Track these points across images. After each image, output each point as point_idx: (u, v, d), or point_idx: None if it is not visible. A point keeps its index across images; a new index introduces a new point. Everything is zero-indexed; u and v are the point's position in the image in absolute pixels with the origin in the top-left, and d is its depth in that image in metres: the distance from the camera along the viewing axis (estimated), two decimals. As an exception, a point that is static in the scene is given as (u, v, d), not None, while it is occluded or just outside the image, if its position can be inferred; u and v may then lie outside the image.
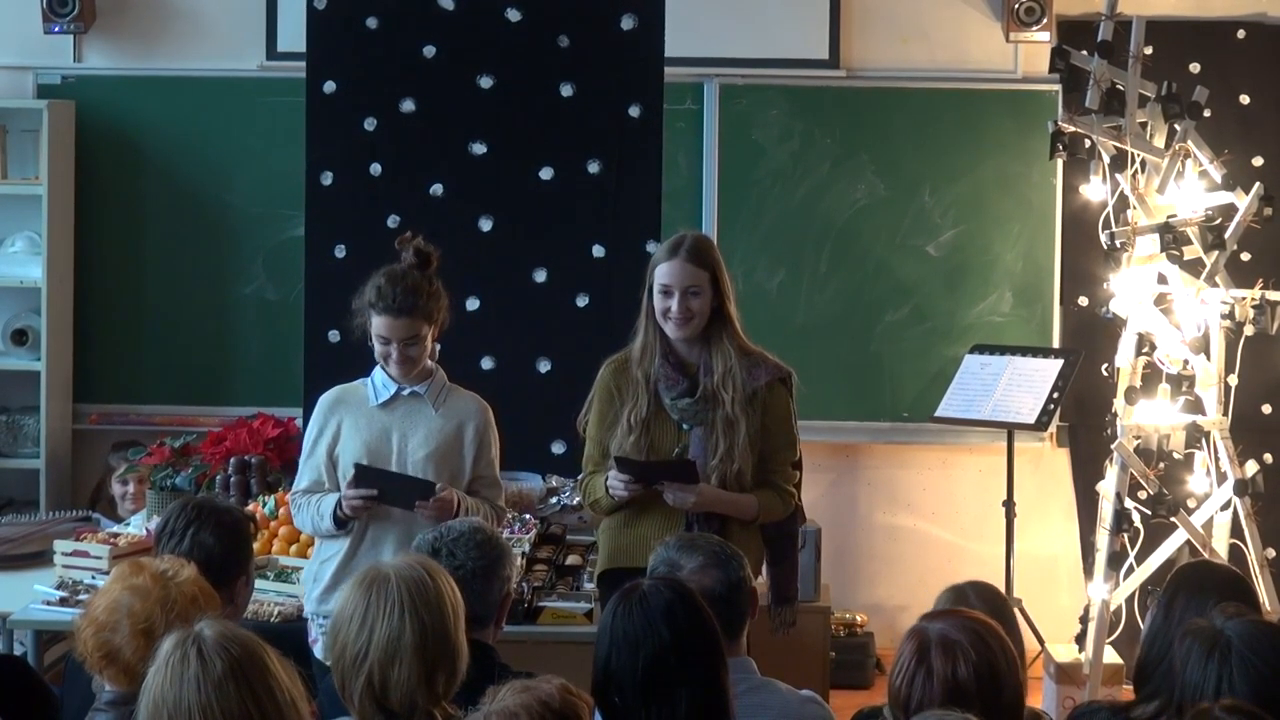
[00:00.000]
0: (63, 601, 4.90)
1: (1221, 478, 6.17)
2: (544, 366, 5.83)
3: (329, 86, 5.82)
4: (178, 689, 2.75)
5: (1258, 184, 6.21)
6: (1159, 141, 6.23)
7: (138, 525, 5.60)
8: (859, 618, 6.99)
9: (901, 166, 7.18)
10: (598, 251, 5.81)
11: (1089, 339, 6.84)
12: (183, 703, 2.74)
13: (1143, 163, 6.24)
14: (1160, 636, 3.47)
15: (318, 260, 5.82)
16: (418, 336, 4.55)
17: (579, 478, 4.81)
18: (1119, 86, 6.18)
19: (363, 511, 4.53)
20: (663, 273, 4.58)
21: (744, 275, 7.00)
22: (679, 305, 4.56)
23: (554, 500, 5.62)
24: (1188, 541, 6.15)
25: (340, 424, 4.63)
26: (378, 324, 4.54)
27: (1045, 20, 7.03)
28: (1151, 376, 6.22)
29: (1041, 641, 6.29)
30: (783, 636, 4.85)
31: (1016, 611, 4.27)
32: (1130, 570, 6.20)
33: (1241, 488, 6.08)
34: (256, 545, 5.17)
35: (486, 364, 5.81)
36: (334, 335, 5.56)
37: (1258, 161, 7.02)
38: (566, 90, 5.80)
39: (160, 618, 3.31)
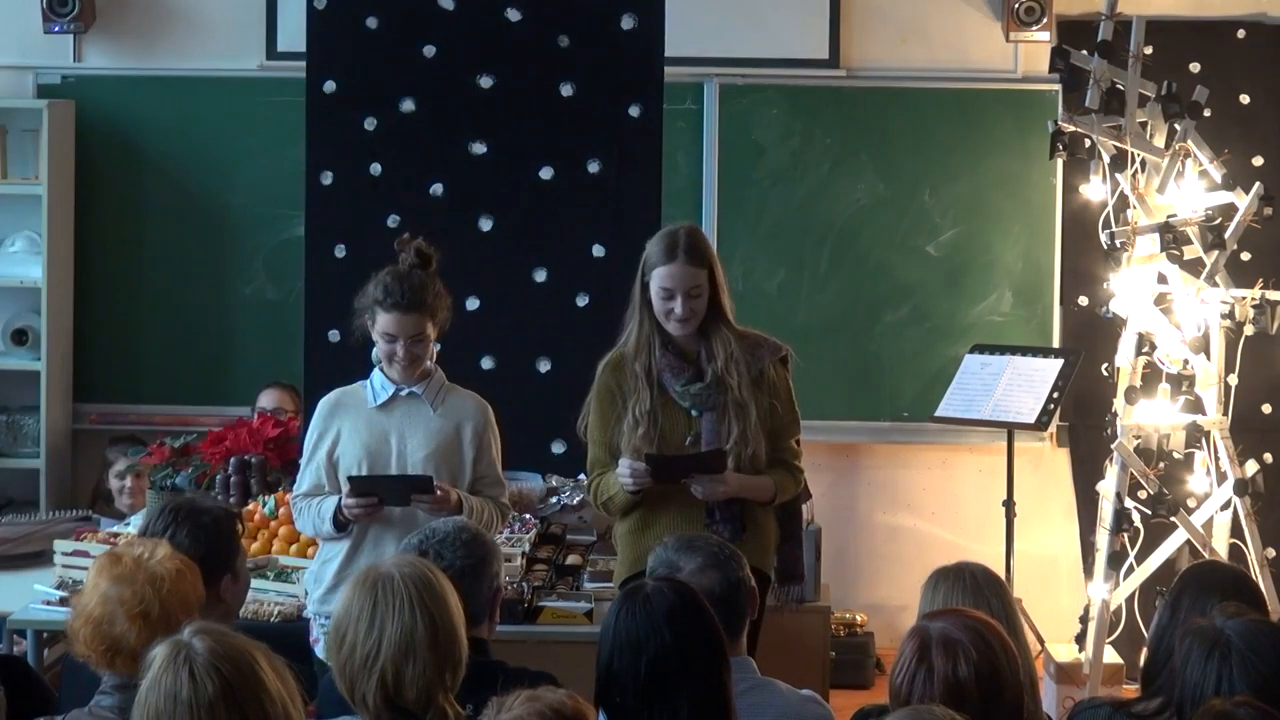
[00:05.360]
0: (63, 601, 4.90)
1: (1221, 477, 6.17)
2: (544, 366, 5.83)
3: (329, 86, 5.81)
4: (171, 710, 2.74)
5: (1258, 184, 6.21)
6: (1159, 141, 6.23)
7: (137, 525, 5.59)
8: (859, 618, 6.99)
9: (901, 166, 7.18)
10: (598, 251, 5.80)
11: (1089, 339, 6.84)
12: None
13: (1143, 162, 6.24)
14: (1166, 635, 3.47)
15: (318, 260, 5.82)
16: (423, 334, 4.56)
17: (587, 482, 4.78)
18: (1119, 86, 6.18)
19: (363, 518, 4.54)
20: (663, 276, 4.58)
21: (744, 275, 7.01)
22: (682, 306, 4.56)
23: (554, 500, 5.61)
24: (1188, 541, 6.16)
25: (340, 428, 4.63)
26: (384, 321, 4.53)
27: (1045, 20, 7.03)
28: (1151, 376, 6.22)
29: (1041, 641, 6.29)
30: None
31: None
32: (1130, 570, 6.20)
33: (1241, 487, 6.09)
34: (256, 545, 5.19)
35: (486, 364, 5.80)
36: (334, 335, 5.56)
37: (1258, 161, 7.02)
38: (566, 90, 5.79)
39: (153, 596, 3.31)
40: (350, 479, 4.53)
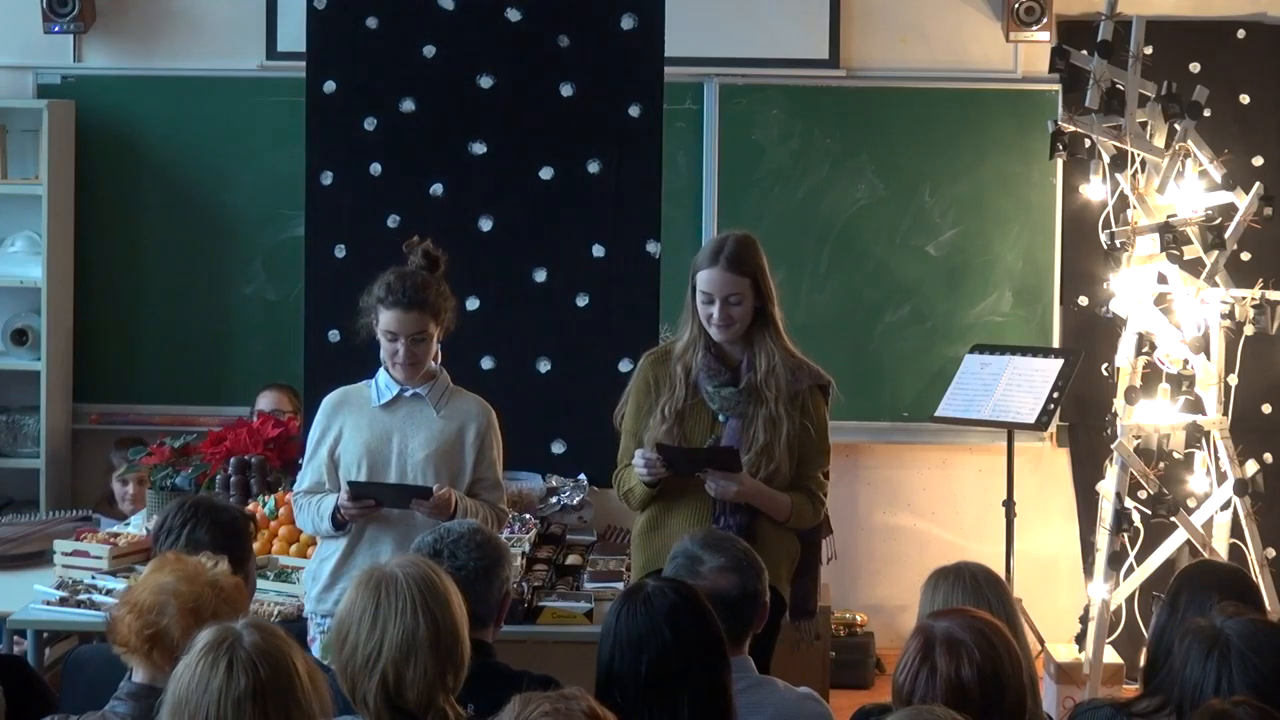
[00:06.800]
0: (63, 601, 4.91)
1: (1221, 477, 6.17)
2: (544, 366, 5.83)
3: (329, 86, 5.81)
4: (200, 694, 2.76)
5: (1258, 184, 6.22)
6: (1159, 141, 6.23)
7: (137, 525, 5.60)
8: (859, 618, 6.99)
9: (901, 166, 7.18)
10: (598, 251, 5.80)
11: (1089, 339, 6.84)
12: (201, 709, 2.75)
13: (1143, 162, 6.24)
14: (1165, 634, 3.48)
15: (318, 260, 5.82)
16: (425, 333, 4.56)
17: (615, 473, 4.78)
18: (1119, 86, 6.18)
19: (359, 519, 4.54)
20: (703, 280, 4.60)
21: (744, 275, 7.00)
22: (720, 313, 4.58)
23: (554, 500, 5.62)
24: (1188, 541, 6.16)
25: (342, 426, 4.64)
26: (386, 319, 4.54)
27: (1045, 20, 7.03)
28: (1151, 376, 6.22)
29: (1041, 641, 6.29)
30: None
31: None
32: (1130, 570, 6.21)
33: (1241, 487, 6.09)
34: (256, 545, 5.18)
35: (486, 364, 5.80)
36: (334, 335, 5.56)
37: (1258, 161, 7.02)
38: (566, 90, 5.79)
39: (210, 598, 3.33)
40: (350, 484, 4.53)
